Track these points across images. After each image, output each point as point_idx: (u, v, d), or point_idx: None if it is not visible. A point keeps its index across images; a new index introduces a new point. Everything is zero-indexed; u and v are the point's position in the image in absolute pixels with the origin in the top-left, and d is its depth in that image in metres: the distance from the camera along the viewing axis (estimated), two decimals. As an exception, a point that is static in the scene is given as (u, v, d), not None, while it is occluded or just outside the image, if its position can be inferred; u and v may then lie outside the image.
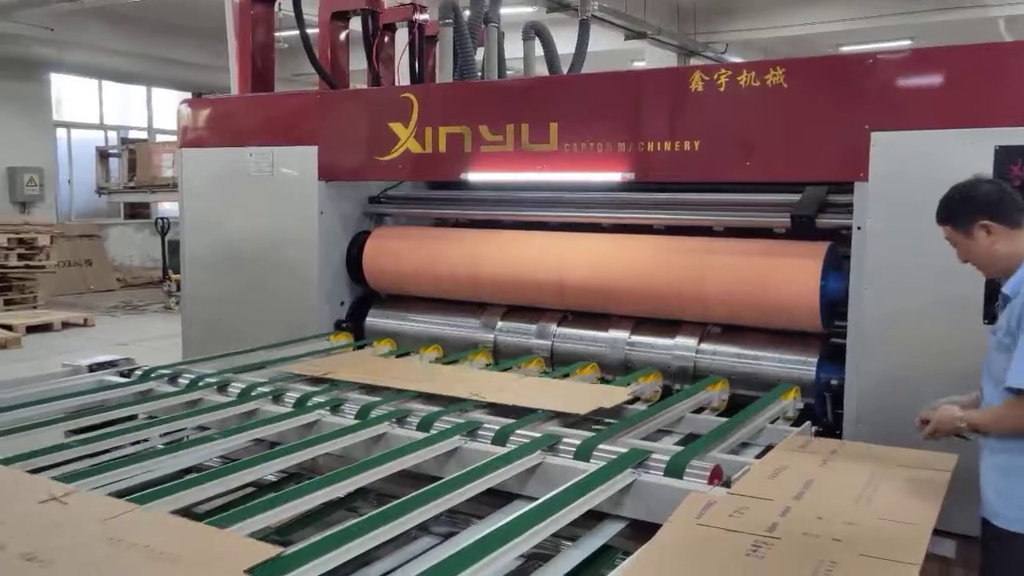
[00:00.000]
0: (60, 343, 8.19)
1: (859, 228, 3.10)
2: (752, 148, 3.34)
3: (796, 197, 3.53)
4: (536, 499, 2.14)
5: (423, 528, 2.42)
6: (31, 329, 8.60)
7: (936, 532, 1.97)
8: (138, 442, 2.74)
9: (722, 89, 3.37)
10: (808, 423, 2.93)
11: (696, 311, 3.65)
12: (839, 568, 1.67)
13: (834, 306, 3.32)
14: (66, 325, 9.10)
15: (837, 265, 3.38)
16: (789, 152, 3.29)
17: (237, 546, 1.73)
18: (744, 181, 3.54)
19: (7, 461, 2.36)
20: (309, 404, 2.96)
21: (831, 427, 3.31)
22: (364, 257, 4.46)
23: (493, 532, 1.90)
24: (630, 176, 3.59)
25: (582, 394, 3.16)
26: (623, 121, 3.61)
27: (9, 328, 8.40)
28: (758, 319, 3.54)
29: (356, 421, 2.80)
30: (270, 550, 1.68)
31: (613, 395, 3.13)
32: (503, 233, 4.27)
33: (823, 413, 3.33)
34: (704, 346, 3.65)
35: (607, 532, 2.23)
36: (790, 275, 3.38)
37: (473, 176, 3.97)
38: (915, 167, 2.97)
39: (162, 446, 2.70)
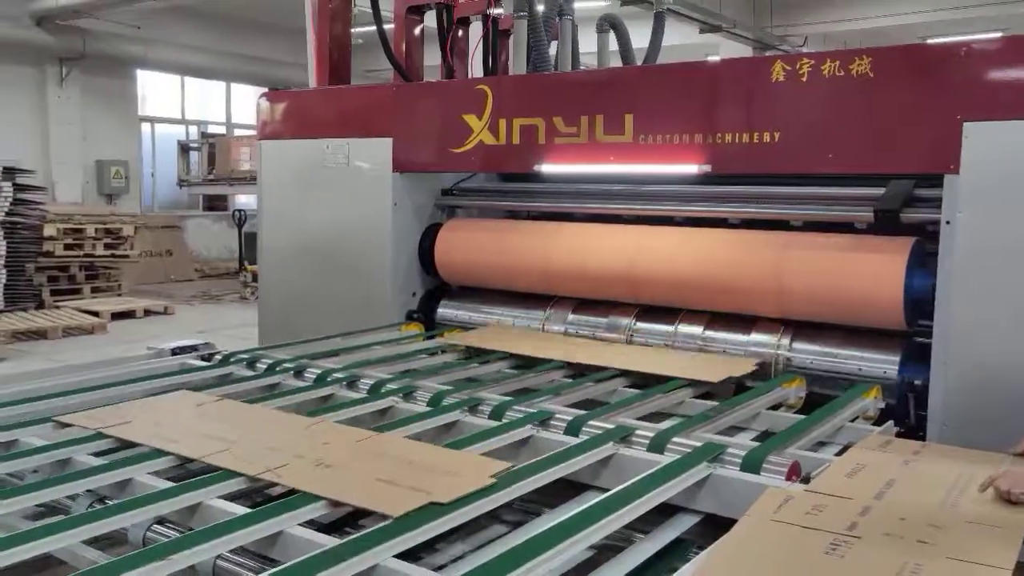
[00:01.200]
0: (143, 329, 8.50)
1: (948, 223, 2.99)
2: (835, 140, 3.25)
3: (880, 191, 3.42)
4: (608, 490, 2.13)
5: (494, 516, 2.44)
6: (116, 316, 8.95)
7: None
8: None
9: (804, 79, 3.28)
10: (890, 423, 2.84)
11: (773, 307, 3.57)
12: (925, 570, 1.61)
13: (919, 304, 3.21)
14: (148, 313, 9.44)
15: (922, 261, 3.26)
16: (874, 144, 3.18)
17: (470, 461, 2.26)
18: (825, 174, 3.44)
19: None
20: (383, 391, 3.01)
21: (914, 429, 3.19)
22: (436, 249, 4.50)
23: (564, 521, 1.89)
24: (706, 168, 3.54)
25: (710, 364, 3.42)
26: (700, 112, 3.56)
27: (96, 314, 8.76)
28: (838, 316, 3.44)
29: (428, 408, 2.82)
30: (502, 464, 2.15)
31: (740, 365, 3.36)
32: (575, 226, 4.25)
33: (905, 414, 3.22)
34: (781, 342, 3.57)
35: (681, 525, 2.21)
36: (873, 271, 3.28)
37: (546, 168, 3.96)
38: (1010, 159, 2.85)
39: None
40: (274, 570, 1.59)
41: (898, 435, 3.10)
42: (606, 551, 2.19)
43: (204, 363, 3.46)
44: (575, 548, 1.81)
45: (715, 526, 2.12)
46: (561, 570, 2.02)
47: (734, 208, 3.85)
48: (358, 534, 1.83)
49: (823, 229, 3.59)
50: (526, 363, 3.63)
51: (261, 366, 3.37)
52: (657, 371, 3.30)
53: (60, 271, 9.86)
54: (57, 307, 9.24)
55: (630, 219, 4.17)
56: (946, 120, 2.95)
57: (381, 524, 1.83)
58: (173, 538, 1.80)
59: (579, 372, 3.50)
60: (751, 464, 2.25)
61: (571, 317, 4.20)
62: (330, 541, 1.78)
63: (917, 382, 3.17)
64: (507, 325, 4.28)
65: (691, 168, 3.56)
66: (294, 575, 1.58)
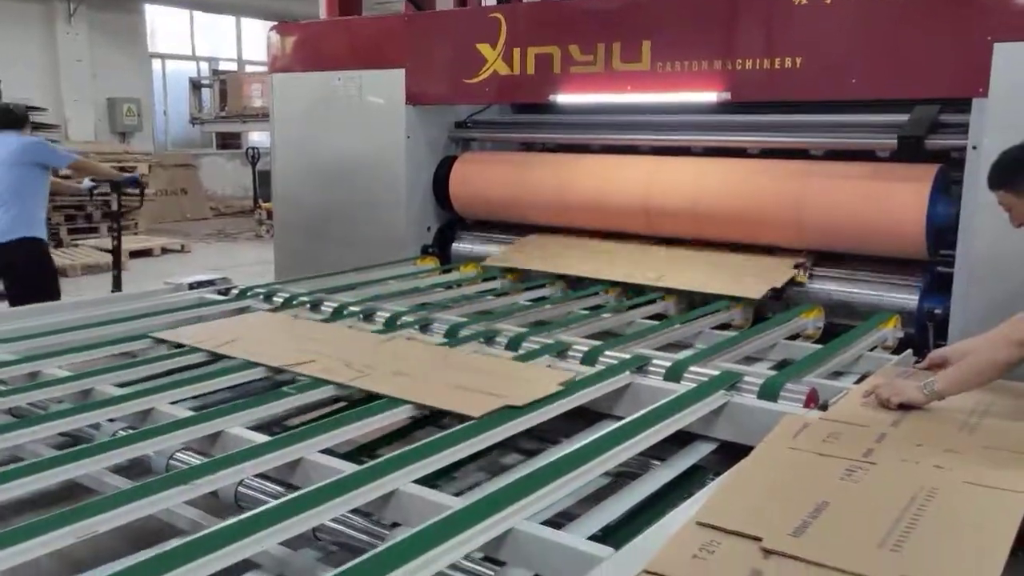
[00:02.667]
0: (160, 267, 8.54)
1: (974, 148, 2.91)
2: (859, 64, 3.16)
3: (903, 117, 3.33)
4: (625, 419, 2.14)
5: (510, 445, 2.47)
6: (133, 254, 8.98)
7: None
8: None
9: (828, 1, 3.17)
10: (909, 351, 2.82)
11: (792, 237, 3.53)
12: (940, 494, 1.61)
13: (942, 233, 3.16)
14: (165, 251, 9.47)
15: (947, 189, 3.20)
16: (900, 68, 3.09)
17: (536, 371, 2.41)
18: (848, 100, 3.35)
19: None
20: (399, 323, 3.01)
21: (932, 359, 3.18)
22: (451, 182, 4.46)
23: (581, 448, 1.91)
24: (726, 96, 3.46)
25: (749, 276, 3.41)
26: (720, 38, 3.46)
27: (114, 253, 8.78)
28: (859, 246, 3.39)
29: (445, 340, 2.83)
30: (566, 375, 2.28)
31: (779, 273, 3.38)
32: (590, 157, 4.20)
33: (924, 344, 3.20)
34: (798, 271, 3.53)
35: (698, 452, 2.22)
36: (896, 199, 3.22)
37: (562, 98, 3.89)
38: (1042, 81, 2.76)
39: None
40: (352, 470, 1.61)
41: (916, 365, 3.12)
42: (624, 478, 2.21)
43: (221, 297, 3.48)
44: (591, 474, 1.82)
45: (733, 454, 2.13)
46: (579, 496, 2.06)
47: (754, 137, 3.77)
48: (441, 433, 1.95)
49: (844, 158, 3.52)
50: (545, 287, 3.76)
51: (278, 300, 3.38)
52: (699, 288, 3.39)
53: (77, 210, 9.89)
54: (75, 246, 9.29)
55: (647, 150, 4.10)
56: (975, 41, 2.85)
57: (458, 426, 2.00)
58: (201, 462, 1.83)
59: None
60: (769, 391, 2.25)
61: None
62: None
63: (937, 311, 3.14)
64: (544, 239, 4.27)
65: (710, 95, 3.48)
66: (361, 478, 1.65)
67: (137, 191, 6.13)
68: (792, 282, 3.41)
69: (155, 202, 11.31)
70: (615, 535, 1.74)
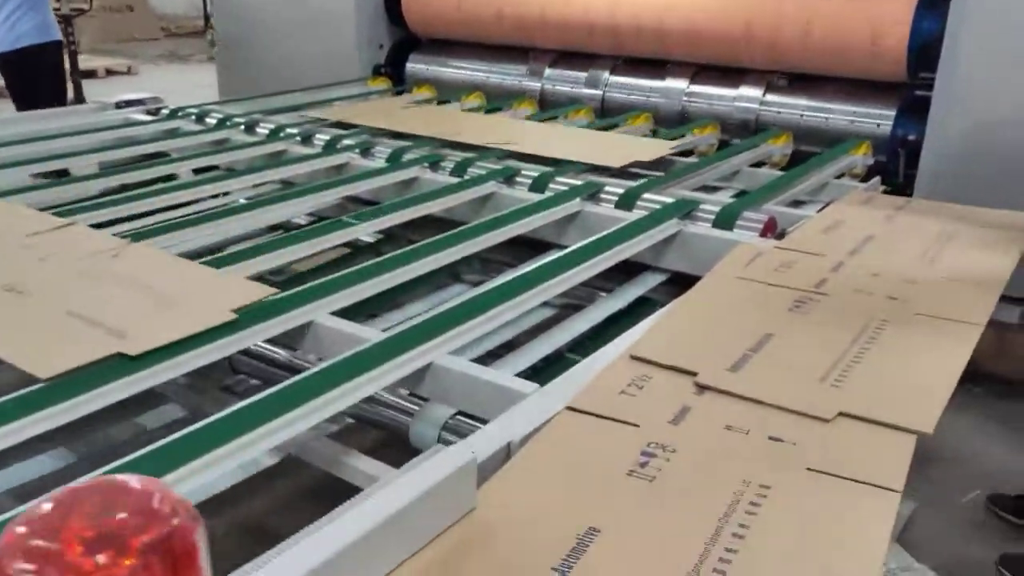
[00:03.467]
0: (104, 90, 8.02)
1: (967, -45, 2.65)
2: None
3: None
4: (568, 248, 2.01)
5: (455, 276, 2.35)
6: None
7: (1002, 299, 1.79)
8: (169, 176, 2.64)
9: None
10: (877, 179, 2.68)
11: (764, 56, 3.29)
12: (890, 326, 1.52)
13: (924, 51, 2.94)
14: (110, 73, 8.94)
15: (933, 3, 2.95)
16: None
17: (233, 286, 1.62)
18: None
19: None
20: (338, 147, 2.81)
21: (901, 188, 3.06)
22: (403, -6, 4.10)
23: (523, 275, 1.78)
24: None
25: (620, 146, 2.91)
26: None
27: (55, 74, 8.25)
28: (834, 65, 3.17)
29: (386, 164, 2.64)
30: (265, 290, 1.59)
31: (653, 148, 2.87)
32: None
33: (895, 172, 3.07)
34: (770, 97, 3.34)
35: (646, 284, 2.12)
36: (880, 10, 2.97)
37: None
38: None
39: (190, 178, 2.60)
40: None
41: (885, 193, 3.00)
42: (568, 310, 2.12)
43: (150, 118, 3.22)
44: (533, 301, 1.71)
45: (685, 285, 2.03)
46: (521, 327, 1.96)
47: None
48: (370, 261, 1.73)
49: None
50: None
51: (210, 121, 3.13)
52: (555, 154, 2.70)
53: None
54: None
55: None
56: None
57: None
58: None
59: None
60: (724, 220, 2.11)
61: (548, 72, 3.91)
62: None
63: (911, 137, 2.99)
64: (401, 102, 3.70)
65: None
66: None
67: None
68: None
69: (97, 18, 10.55)
70: (549, 370, 1.66)
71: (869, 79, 3.15)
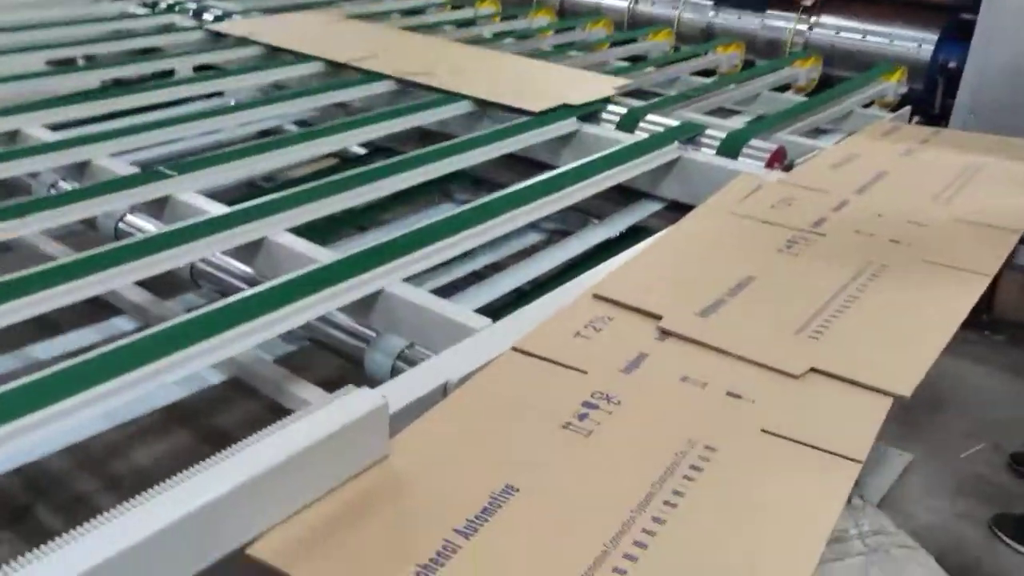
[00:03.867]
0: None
1: None
2: None
3: None
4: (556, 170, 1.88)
5: (446, 195, 2.24)
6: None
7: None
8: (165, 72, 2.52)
9: None
10: (907, 109, 2.48)
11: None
12: (888, 272, 1.38)
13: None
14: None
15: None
16: None
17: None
18: None
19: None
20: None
21: (936, 119, 2.85)
22: None
23: (509, 194, 1.67)
24: None
25: (556, 83, 2.35)
26: None
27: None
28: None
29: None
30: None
31: (594, 86, 2.27)
32: None
33: (930, 101, 2.85)
34: (801, 16, 3.09)
35: (640, 213, 1.99)
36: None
37: None
38: None
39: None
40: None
41: (916, 124, 2.81)
42: (559, 236, 2.01)
43: (144, 11, 3.09)
44: (519, 220, 1.59)
45: (684, 214, 1.90)
46: (508, 251, 1.86)
47: None
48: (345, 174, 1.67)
49: None
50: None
51: (208, 17, 2.99)
52: (475, 93, 2.21)
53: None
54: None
55: None
56: None
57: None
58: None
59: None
60: (730, 147, 1.96)
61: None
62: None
63: (951, 64, 2.76)
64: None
65: None
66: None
67: None
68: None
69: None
70: (519, 304, 1.56)
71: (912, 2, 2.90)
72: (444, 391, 1.08)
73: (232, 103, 2.32)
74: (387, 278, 1.33)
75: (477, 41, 2.97)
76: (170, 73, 2.47)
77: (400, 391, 1.04)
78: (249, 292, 1.26)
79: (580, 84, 2.35)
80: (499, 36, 3.09)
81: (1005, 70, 2.60)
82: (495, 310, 1.49)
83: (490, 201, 1.63)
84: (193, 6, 3.07)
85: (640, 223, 1.96)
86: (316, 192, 1.60)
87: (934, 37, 2.85)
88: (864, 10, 3.01)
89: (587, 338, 1.17)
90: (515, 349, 1.13)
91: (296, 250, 1.43)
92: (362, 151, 2.34)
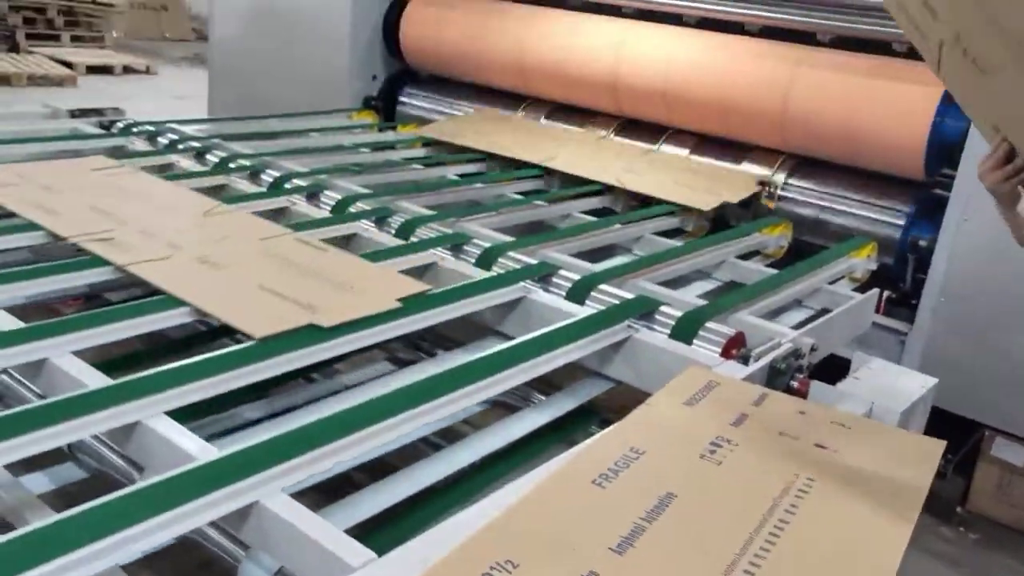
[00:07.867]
0: (116, 88, 7.91)
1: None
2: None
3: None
4: (513, 339, 1.73)
5: (384, 349, 2.07)
6: (91, 70, 8.31)
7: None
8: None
9: None
10: (875, 291, 2.37)
11: (771, 135, 3.01)
12: (817, 487, 1.21)
13: (945, 150, 2.65)
14: (128, 70, 8.78)
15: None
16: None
17: (391, 278, 1.88)
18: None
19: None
20: (286, 186, 2.55)
21: (907, 296, 2.76)
22: (402, 24, 3.88)
23: (454, 370, 1.52)
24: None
25: (703, 183, 2.94)
26: None
27: (69, 66, 8.12)
28: (845, 155, 2.89)
29: (330, 215, 2.38)
30: (420, 285, 1.83)
31: (739, 185, 2.94)
32: (556, 14, 3.59)
33: (901, 278, 2.76)
34: (775, 177, 3.04)
35: (587, 392, 1.82)
36: (899, 103, 2.69)
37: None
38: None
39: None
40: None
41: (889, 301, 2.71)
42: (501, 407, 1.84)
43: (99, 131, 2.99)
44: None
45: (637, 392, 1.73)
46: (441, 425, 1.67)
47: (750, 10, 3.16)
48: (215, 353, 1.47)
49: (857, 47, 2.94)
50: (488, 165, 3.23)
51: (163, 141, 2.89)
52: (648, 191, 2.89)
53: (37, 13, 9.13)
54: (31, 52, 8.59)
55: (630, 12, 3.49)
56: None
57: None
58: None
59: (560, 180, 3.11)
60: (683, 330, 1.81)
61: (544, 122, 3.65)
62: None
63: (923, 242, 2.69)
64: (491, 113, 3.71)
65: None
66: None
67: None
68: (755, 198, 2.91)
69: (125, 15, 10.49)
70: (424, 509, 1.36)
71: (883, 173, 2.86)
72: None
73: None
74: (262, 488, 1.13)
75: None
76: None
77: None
78: (99, 501, 1.06)
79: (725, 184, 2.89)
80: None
81: (978, 251, 2.52)
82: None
83: (453, 371, 1.48)
84: (151, 128, 2.97)
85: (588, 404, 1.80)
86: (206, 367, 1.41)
87: (905, 211, 2.79)
88: (834, 175, 2.96)
89: (486, 592, 0.97)
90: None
91: (173, 441, 1.23)
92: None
